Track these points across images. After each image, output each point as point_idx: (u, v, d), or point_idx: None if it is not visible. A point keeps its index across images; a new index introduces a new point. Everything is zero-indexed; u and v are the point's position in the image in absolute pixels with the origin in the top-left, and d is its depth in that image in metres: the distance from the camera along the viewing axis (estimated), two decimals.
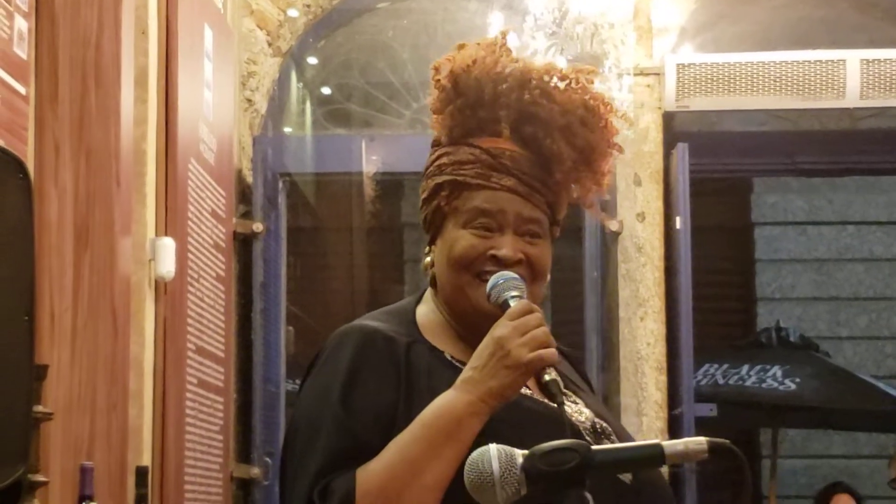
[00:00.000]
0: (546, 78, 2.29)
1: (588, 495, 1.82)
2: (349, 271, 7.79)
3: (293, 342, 5.95)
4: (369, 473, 2.06)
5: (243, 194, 5.79)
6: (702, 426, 5.58)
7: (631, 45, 5.98)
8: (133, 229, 4.03)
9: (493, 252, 2.21)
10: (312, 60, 6.47)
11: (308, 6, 6.05)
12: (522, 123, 2.27)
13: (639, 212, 5.91)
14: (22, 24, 3.49)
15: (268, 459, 5.56)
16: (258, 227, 5.71)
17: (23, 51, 3.48)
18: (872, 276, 11.43)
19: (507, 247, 2.21)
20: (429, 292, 2.32)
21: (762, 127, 7.26)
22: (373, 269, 8.01)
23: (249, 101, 5.92)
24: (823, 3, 6.53)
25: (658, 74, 5.99)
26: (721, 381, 8.53)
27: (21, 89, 3.45)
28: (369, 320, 2.25)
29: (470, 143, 2.27)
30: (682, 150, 5.86)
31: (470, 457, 1.85)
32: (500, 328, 2.10)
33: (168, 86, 4.44)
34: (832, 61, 5.97)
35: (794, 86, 5.96)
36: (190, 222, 4.62)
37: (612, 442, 2.22)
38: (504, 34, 2.35)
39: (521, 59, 2.32)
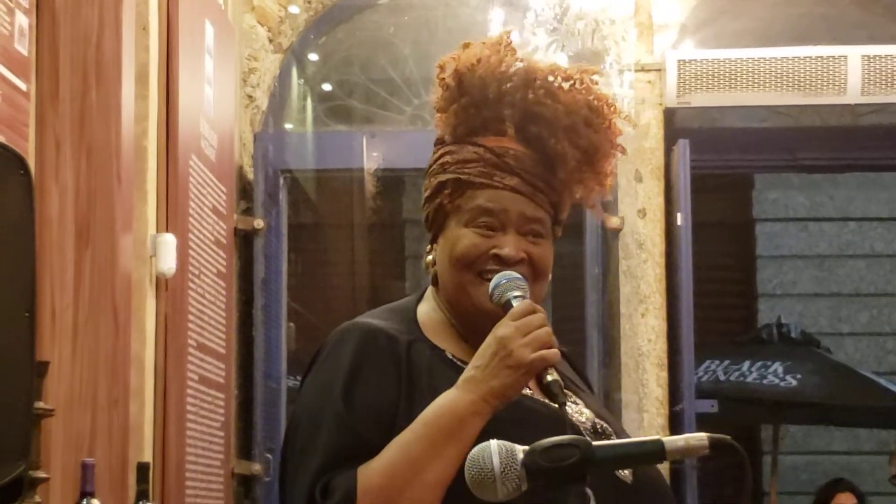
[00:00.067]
0: (550, 78, 2.29)
1: (589, 491, 1.82)
2: (350, 268, 7.79)
3: (294, 338, 5.95)
4: (370, 472, 2.06)
5: (244, 191, 5.79)
6: (703, 422, 5.58)
7: (632, 42, 5.99)
8: (134, 226, 4.03)
9: (495, 251, 2.21)
10: (313, 57, 6.47)
11: (309, 2, 6.05)
12: (527, 123, 2.27)
13: (640, 208, 5.91)
14: (23, 21, 3.49)
15: (269, 456, 5.57)
16: (259, 223, 5.71)
17: (24, 47, 3.48)
18: (874, 273, 11.43)
19: (509, 246, 2.21)
20: (430, 290, 2.32)
21: (763, 123, 7.26)
22: (374, 265, 8.01)
23: (250, 97, 5.93)
24: None
25: (659, 71, 5.99)
26: (722, 378, 8.53)
27: (22, 86, 3.45)
28: (370, 318, 2.25)
29: (474, 142, 2.27)
30: (683, 147, 5.86)
31: (471, 453, 1.85)
32: (503, 328, 2.10)
33: (169, 82, 4.44)
34: (833, 57, 5.97)
35: (795, 82, 5.96)
36: (191, 219, 4.62)
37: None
38: (508, 34, 2.35)
39: (526, 59, 2.32)
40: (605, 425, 2.26)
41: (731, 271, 11.07)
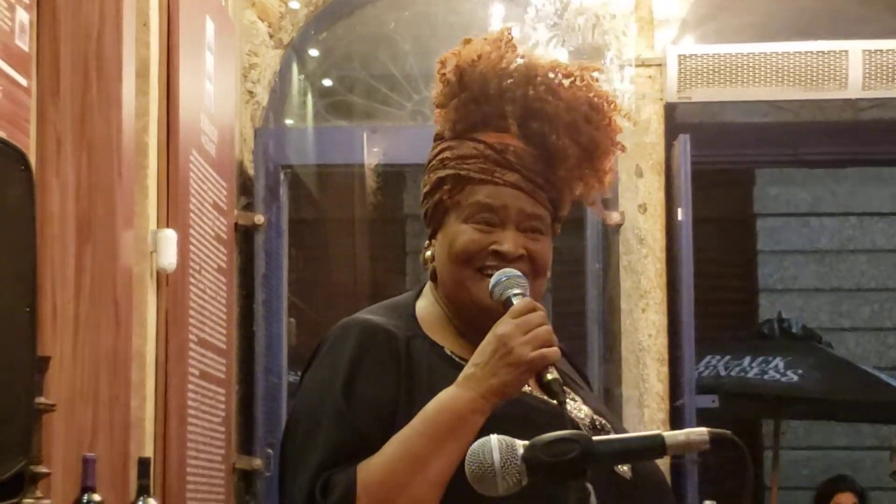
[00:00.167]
0: (551, 75, 2.29)
1: (589, 486, 1.82)
2: (351, 263, 7.79)
3: (295, 334, 5.96)
4: (370, 468, 2.06)
5: (245, 186, 5.79)
6: (703, 418, 5.59)
7: (632, 37, 5.98)
8: (135, 221, 4.04)
9: (494, 247, 2.21)
10: (314, 52, 6.47)
11: None
12: (527, 119, 2.27)
13: (640, 203, 5.91)
14: (23, 17, 3.49)
15: (269, 451, 5.58)
16: (260, 218, 5.71)
17: (24, 43, 3.48)
18: (875, 268, 11.43)
19: (508, 242, 2.21)
20: (429, 286, 2.32)
21: (764, 118, 7.26)
22: (375, 260, 8.01)
23: (251, 92, 5.93)
24: None
25: (660, 65, 5.99)
26: (723, 373, 8.53)
27: (23, 81, 3.46)
28: (369, 314, 2.25)
29: (474, 138, 2.27)
30: (683, 142, 5.86)
31: (471, 447, 1.85)
32: (503, 326, 2.10)
33: (169, 78, 4.44)
34: (834, 52, 5.96)
35: (797, 76, 5.96)
36: (191, 214, 4.62)
37: None
38: (509, 30, 2.35)
39: (527, 55, 2.32)
40: (603, 422, 2.26)
41: (731, 266, 11.07)
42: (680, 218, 5.84)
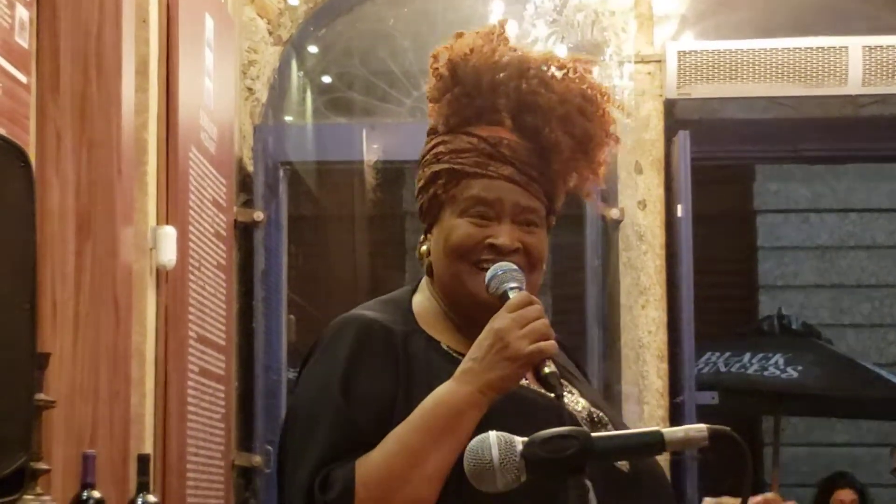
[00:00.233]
0: (544, 67, 2.29)
1: (588, 482, 1.82)
2: (350, 260, 7.79)
3: (294, 330, 5.95)
4: (369, 464, 2.06)
5: (244, 183, 5.79)
6: (703, 414, 5.59)
7: (632, 33, 5.98)
8: (134, 218, 4.04)
9: (490, 240, 2.21)
10: (313, 49, 6.47)
11: None
12: (521, 112, 2.27)
13: (640, 200, 5.91)
14: (23, 14, 3.49)
15: (269, 448, 5.58)
16: (259, 215, 5.72)
17: (24, 40, 3.48)
18: (875, 264, 11.44)
19: (504, 235, 2.21)
20: (425, 281, 2.32)
21: (764, 114, 7.25)
22: (374, 257, 8.01)
23: (250, 89, 5.93)
24: None
25: (659, 62, 5.98)
26: (723, 369, 8.53)
27: (22, 78, 3.46)
28: (366, 310, 2.25)
29: (467, 132, 2.27)
30: (683, 138, 5.86)
31: (469, 444, 1.85)
32: (500, 320, 2.10)
33: (169, 75, 4.44)
34: (834, 48, 5.96)
35: (796, 73, 5.96)
36: (191, 211, 4.62)
37: (609, 431, 2.23)
38: (502, 23, 2.35)
39: (519, 48, 2.33)
40: (601, 415, 2.26)
41: (731, 263, 11.07)
42: (679, 214, 5.84)
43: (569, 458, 1.82)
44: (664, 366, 5.85)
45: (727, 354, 8.64)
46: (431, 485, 2.05)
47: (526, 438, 1.84)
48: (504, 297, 2.14)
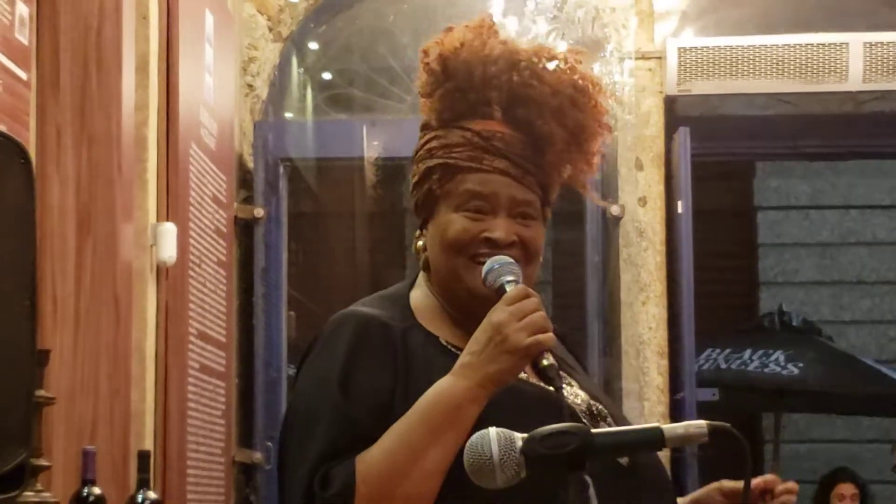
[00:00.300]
0: (535, 59, 2.29)
1: (587, 478, 1.82)
2: (351, 256, 7.79)
3: (294, 327, 5.95)
4: (369, 460, 2.06)
5: (244, 179, 5.79)
6: (704, 411, 5.58)
7: (632, 29, 5.98)
8: (134, 215, 4.04)
9: (486, 234, 2.21)
10: (313, 45, 6.46)
11: None
12: (513, 105, 2.27)
13: (640, 196, 5.91)
14: (23, 10, 3.49)
15: (269, 444, 5.58)
16: (259, 212, 5.72)
17: (24, 36, 3.48)
18: (876, 260, 11.45)
19: (500, 229, 2.21)
20: (421, 276, 2.32)
21: (764, 111, 7.25)
22: (374, 253, 8.01)
23: (250, 86, 5.92)
24: None
25: (659, 58, 5.98)
26: (723, 366, 8.54)
27: (22, 75, 3.46)
28: (364, 306, 2.25)
29: (461, 126, 2.27)
30: (683, 134, 5.86)
31: (469, 440, 1.85)
32: (498, 313, 2.10)
33: (169, 71, 4.44)
34: (835, 44, 5.96)
35: (797, 69, 5.96)
36: (191, 207, 4.62)
37: (609, 424, 2.23)
38: (490, 16, 2.36)
39: (509, 41, 2.32)
40: (600, 407, 2.26)
41: (732, 259, 11.08)
42: (680, 211, 5.83)
43: (568, 454, 1.82)
44: (664, 362, 5.85)
45: (728, 351, 8.64)
46: (432, 480, 2.05)
47: (525, 434, 1.84)
48: (501, 291, 2.14)
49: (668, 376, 5.84)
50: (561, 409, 2.04)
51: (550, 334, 2.11)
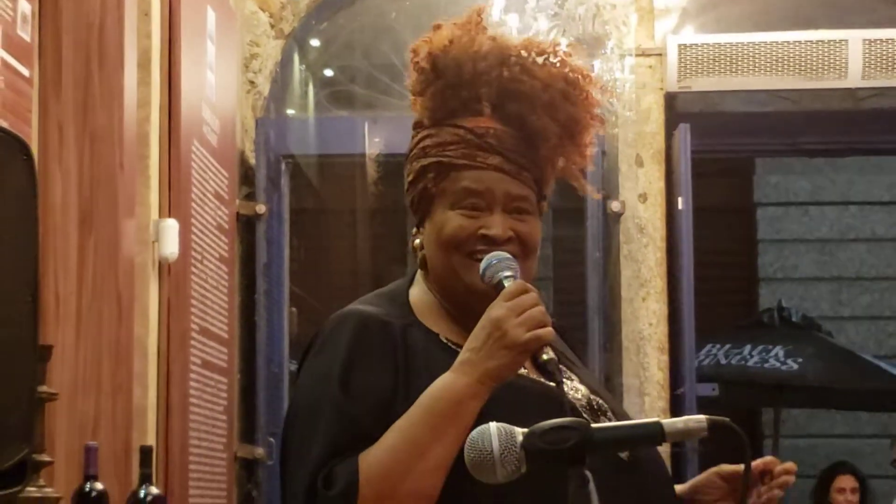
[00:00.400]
0: (524, 53, 2.28)
1: (588, 473, 1.83)
2: (352, 253, 7.79)
3: (296, 323, 5.96)
4: (372, 459, 2.06)
5: (246, 176, 5.80)
6: (704, 406, 5.59)
7: (633, 26, 5.98)
8: (137, 211, 4.05)
9: (483, 231, 2.21)
10: (315, 42, 6.47)
11: None
12: (505, 101, 2.26)
13: (641, 192, 5.92)
14: (25, 7, 3.49)
15: (271, 440, 5.59)
16: (261, 208, 5.73)
17: (26, 33, 3.49)
18: (875, 256, 11.45)
19: (496, 226, 2.21)
20: (419, 274, 2.32)
21: (764, 107, 7.26)
22: (376, 250, 8.01)
23: (252, 83, 5.93)
24: None
25: (660, 55, 5.99)
26: (723, 361, 8.55)
27: (25, 72, 3.46)
28: (364, 305, 2.25)
29: (453, 124, 2.26)
30: (683, 131, 5.86)
31: (470, 435, 1.85)
32: (496, 309, 2.10)
33: (171, 68, 4.44)
34: (834, 41, 5.96)
35: (797, 66, 5.96)
36: (193, 204, 4.63)
37: (609, 418, 2.23)
38: (479, 11, 2.35)
39: (498, 36, 2.31)
40: (600, 402, 2.26)
41: (732, 255, 11.08)
42: (680, 207, 5.84)
43: (569, 449, 1.83)
44: (665, 358, 5.86)
45: (727, 347, 8.65)
46: (435, 476, 2.06)
47: (526, 429, 1.84)
48: (499, 287, 2.14)
49: (668, 372, 5.85)
50: (562, 404, 2.04)
51: (550, 329, 2.11)
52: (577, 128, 2.29)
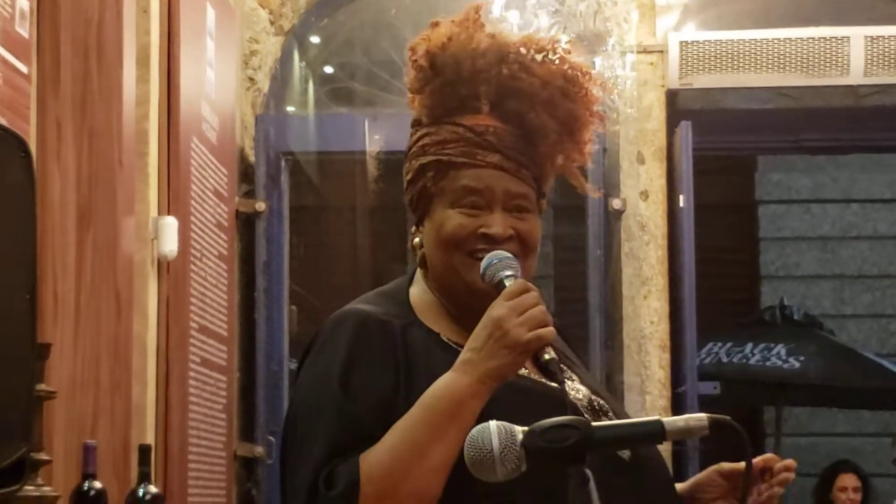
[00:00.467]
0: (523, 51, 2.27)
1: (588, 472, 1.82)
2: (352, 250, 7.79)
3: (296, 321, 5.96)
4: (373, 459, 2.05)
5: (246, 173, 5.79)
6: (705, 404, 5.59)
7: (634, 23, 5.98)
8: (135, 208, 4.04)
9: (483, 230, 2.20)
10: (315, 39, 6.46)
11: None
12: (504, 98, 2.25)
13: (642, 190, 5.91)
14: (24, 3, 3.48)
15: (271, 438, 5.58)
16: (261, 206, 5.72)
17: (25, 30, 3.48)
18: (877, 254, 11.44)
19: (496, 224, 2.20)
20: (419, 273, 2.31)
21: (766, 104, 7.24)
22: (376, 248, 8.01)
23: (252, 79, 5.92)
24: None
25: (661, 52, 5.98)
26: (725, 360, 8.54)
27: (23, 68, 3.45)
28: (364, 304, 2.24)
29: (452, 122, 2.25)
30: (685, 128, 5.86)
31: (470, 434, 1.85)
32: (498, 308, 2.09)
33: (170, 65, 4.44)
34: (836, 38, 5.96)
35: (798, 63, 5.96)
36: (192, 201, 4.62)
37: (610, 419, 2.22)
38: (477, 8, 2.34)
39: (497, 34, 2.30)
40: (601, 402, 2.25)
41: (733, 253, 11.07)
42: (681, 205, 5.83)
43: (569, 447, 1.82)
44: (666, 356, 5.85)
45: (729, 345, 8.64)
46: (436, 476, 2.05)
47: (526, 428, 1.83)
48: (500, 286, 2.13)
49: (669, 370, 5.85)
50: (563, 404, 2.03)
51: (551, 328, 2.10)
52: (576, 125, 2.28)
